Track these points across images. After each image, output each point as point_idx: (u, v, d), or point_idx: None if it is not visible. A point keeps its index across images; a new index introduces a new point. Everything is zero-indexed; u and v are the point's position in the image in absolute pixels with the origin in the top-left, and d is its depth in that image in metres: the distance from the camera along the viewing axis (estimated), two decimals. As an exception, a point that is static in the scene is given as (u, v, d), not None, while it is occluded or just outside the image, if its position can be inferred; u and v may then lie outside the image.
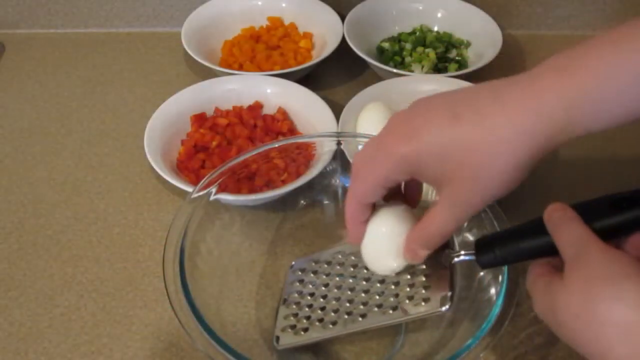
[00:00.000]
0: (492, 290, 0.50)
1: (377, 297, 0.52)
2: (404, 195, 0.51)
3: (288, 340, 0.54)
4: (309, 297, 0.56)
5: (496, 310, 0.48)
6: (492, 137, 0.40)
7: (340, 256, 0.57)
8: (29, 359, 0.57)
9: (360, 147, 0.64)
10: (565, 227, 0.41)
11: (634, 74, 0.38)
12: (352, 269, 0.55)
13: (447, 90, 0.44)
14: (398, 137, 0.42)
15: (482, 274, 0.53)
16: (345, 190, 0.64)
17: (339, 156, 0.64)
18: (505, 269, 0.49)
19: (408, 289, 0.51)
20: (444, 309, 0.48)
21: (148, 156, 0.70)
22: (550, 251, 0.43)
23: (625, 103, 0.39)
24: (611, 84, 0.38)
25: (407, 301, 0.50)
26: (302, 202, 0.66)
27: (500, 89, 0.41)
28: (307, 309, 0.55)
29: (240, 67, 0.86)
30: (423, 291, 0.50)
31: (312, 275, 0.57)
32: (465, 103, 0.41)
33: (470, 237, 0.55)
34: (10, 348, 0.58)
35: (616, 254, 0.38)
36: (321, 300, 0.55)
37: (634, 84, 0.38)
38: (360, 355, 0.57)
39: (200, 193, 0.57)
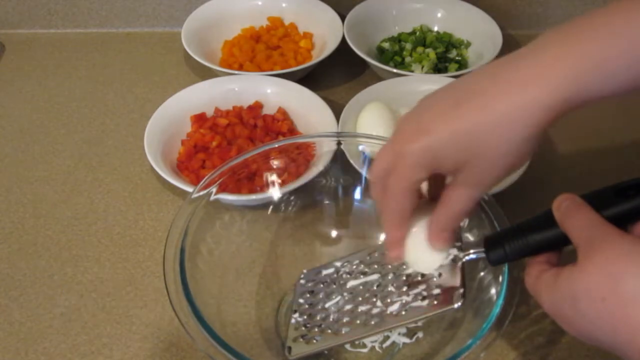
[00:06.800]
0: (493, 290, 0.50)
1: (389, 299, 0.52)
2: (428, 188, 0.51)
3: (300, 349, 0.53)
4: (319, 307, 0.55)
5: (497, 310, 0.48)
6: (495, 118, 0.40)
7: (347, 265, 0.56)
8: (29, 359, 0.58)
9: (360, 147, 0.65)
10: (575, 213, 0.41)
11: (632, 39, 0.39)
12: (362, 277, 0.55)
13: (450, 82, 0.45)
14: (408, 136, 0.43)
15: (482, 274, 0.52)
16: (344, 189, 0.65)
17: (339, 156, 0.64)
18: (505, 268, 0.49)
19: (420, 289, 0.51)
20: (456, 305, 0.48)
21: (148, 156, 0.70)
22: (559, 243, 0.43)
23: (630, 65, 0.39)
24: (613, 47, 0.39)
25: (420, 301, 0.50)
26: (302, 202, 0.66)
27: (500, 70, 0.41)
28: (318, 318, 0.54)
29: (240, 67, 0.86)
30: (435, 290, 0.50)
31: (321, 285, 0.57)
32: (465, 90, 0.42)
33: (470, 237, 0.55)
34: (10, 348, 0.58)
35: (631, 236, 0.38)
36: (332, 308, 0.54)
37: (633, 48, 0.39)
38: (361, 355, 0.57)
39: (201, 193, 0.57)
